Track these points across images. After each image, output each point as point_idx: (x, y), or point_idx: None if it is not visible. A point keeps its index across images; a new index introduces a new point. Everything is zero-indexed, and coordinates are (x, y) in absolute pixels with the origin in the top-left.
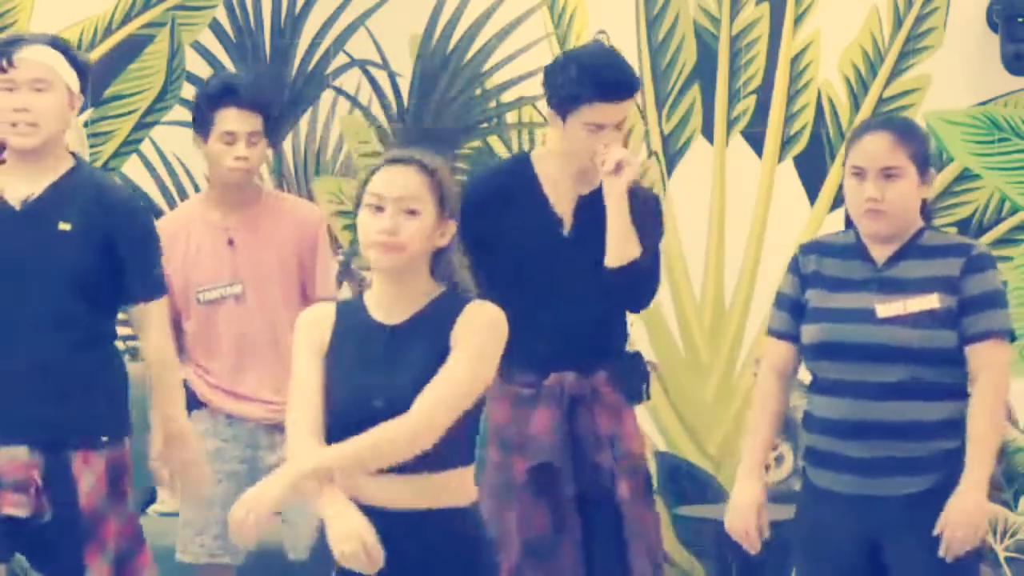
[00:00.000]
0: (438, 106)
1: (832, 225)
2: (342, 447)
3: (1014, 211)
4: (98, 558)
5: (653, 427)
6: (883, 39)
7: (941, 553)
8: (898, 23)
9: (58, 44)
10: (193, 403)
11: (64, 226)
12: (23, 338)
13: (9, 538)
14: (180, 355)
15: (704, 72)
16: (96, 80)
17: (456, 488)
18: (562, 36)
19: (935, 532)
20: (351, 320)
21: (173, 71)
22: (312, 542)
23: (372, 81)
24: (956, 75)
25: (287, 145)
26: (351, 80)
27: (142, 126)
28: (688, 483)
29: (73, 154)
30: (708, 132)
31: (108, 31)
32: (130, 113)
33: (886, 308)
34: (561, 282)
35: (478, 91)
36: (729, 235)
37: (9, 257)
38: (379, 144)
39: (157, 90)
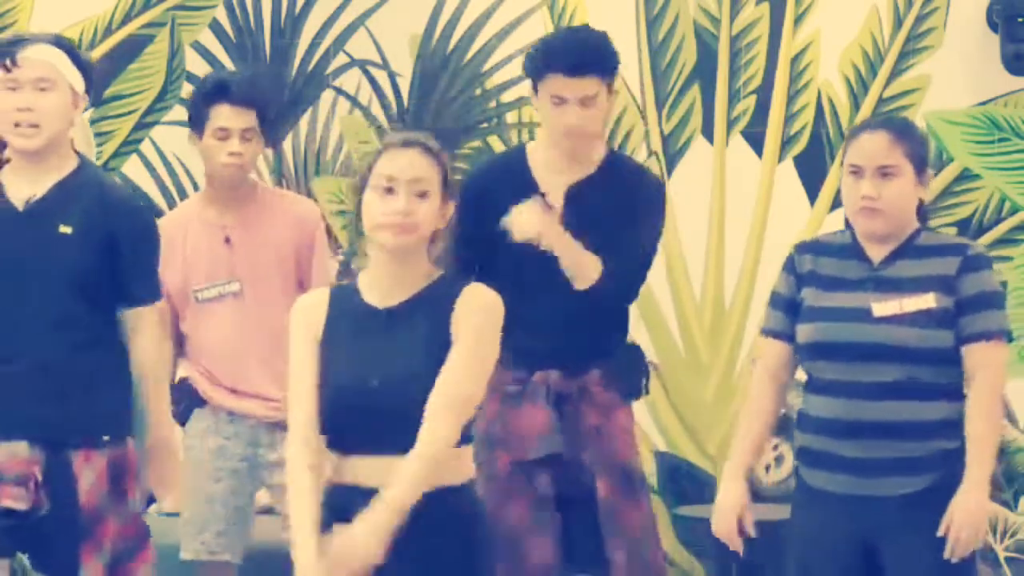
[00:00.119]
0: (438, 106)
1: (832, 225)
2: (403, 484)
3: (1014, 211)
4: (93, 556)
5: (653, 427)
6: (883, 39)
7: (947, 555)
8: (898, 23)
9: (62, 43)
10: (196, 401)
11: (65, 229)
12: (25, 338)
13: (9, 534)
14: (181, 354)
15: (704, 72)
16: (96, 80)
17: (454, 467)
18: None
19: (939, 533)
20: (345, 304)
21: (173, 71)
22: None
23: (372, 81)
24: (956, 75)
25: (287, 145)
26: (351, 80)
27: (142, 126)
28: (688, 483)
29: (78, 154)
30: (708, 132)
31: (108, 31)
32: (130, 113)
33: (882, 307)
34: (552, 276)
35: (478, 91)
36: (729, 235)
37: (12, 258)
38: (379, 144)
39: (157, 90)
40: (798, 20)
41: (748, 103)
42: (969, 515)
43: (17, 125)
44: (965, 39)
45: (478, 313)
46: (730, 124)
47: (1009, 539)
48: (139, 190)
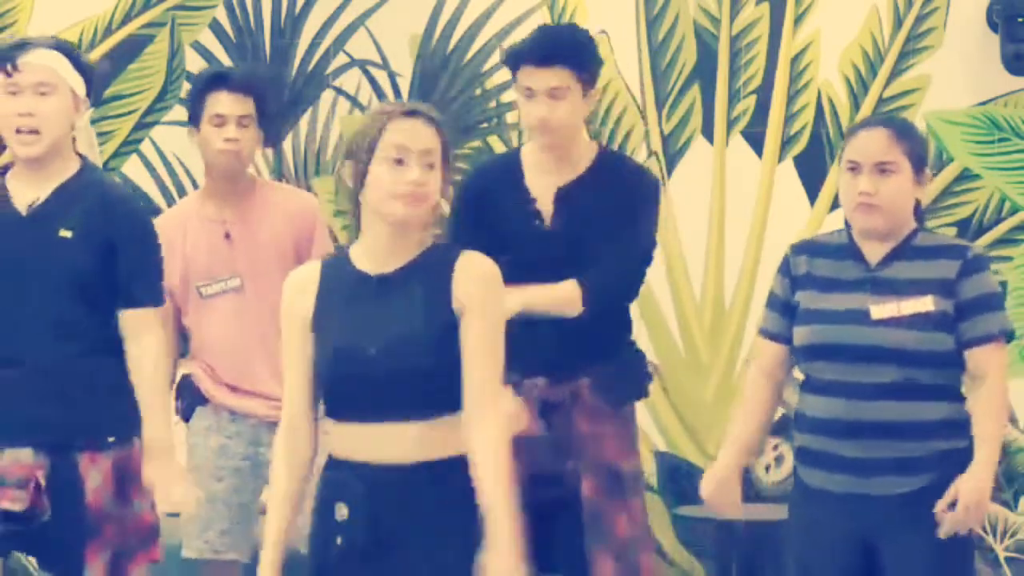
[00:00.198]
0: (438, 106)
1: (832, 225)
2: (497, 487)
3: (1014, 211)
4: (99, 556)
5: (653, 427)
6: (883, 39)
7: (943, 533)
8: (898, 23)
9: (63, 47)
10: (198, 399)
11: (65, 233)
12: (27, 342)
13: (13, 535)
14: (185, 352)
15: (704, 72)
16: (96, 81)
17: (457, 436)
18: None
19: (940, 508)
20: (338, 274)
21: (173, 71)
22: None
23: (372, 81)
24: (956, 75)
25: (287, 145)
26: (351, 80)
27: (142, 126)
28: (688, 483)
29: (80, 156)
30: (708, 132)
31: (108, 31)
32: (130, 113)
33: (880, 310)
34: (547, 280)
35: (478, 91)
36: (729, 235)
37: (15, 262)
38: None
39: (157, 90)
40: (798, 20)
41: (748, 103)
42: (975, 491)
43: (19, 131)
44: (965, 39)
45: (482, 282)
46: (730, 124)
47: (1009, 539)
48: (139, 190)
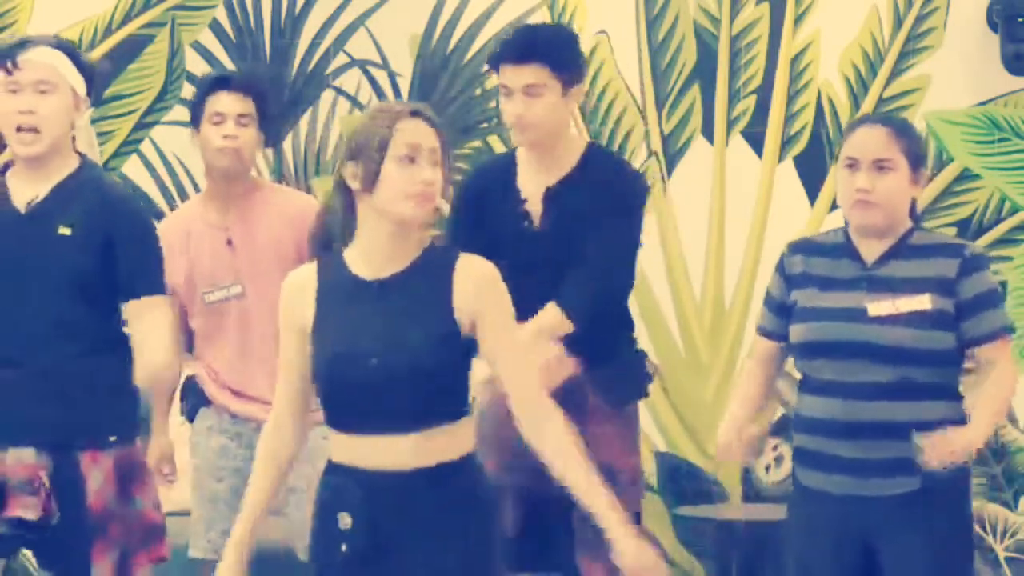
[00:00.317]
0: (438, 106)
1: (832, 225)
2: (590, 485)
3: (1014, 211)
4: (105, 557)
5: (653, 427)
6: (883, 39)
7: (925, 458)
8: (898, 23)
9: (63, 46)
10: (202, 400)
11: (64, 230)
12: (27, 342)
13: (17, 537)
14: (191, 356)
15: (704, 72)
16: (97, 81)
17: (450, 443)
18: None
19: (920, 441)
20: (335, 278)
21: (173, 71)
22: None
23: (372, 81)
24: (956, 75)
25: (287, 145)
26: (351, 80)
27: (142, 126)
28: (688, 483)
29: (80, 154)
30: (708, 132)
31: (108, 31)
32: (130, 113)
33: (877, 307)
34: (545, 281)
35: (478, 91)
36: (729, 235)
37: (14, 260)
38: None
39: (157, 90)
40: (798, 20)
41: (748, 103)
42: (965, 439)
43: (19, 130)
44: (965, 39)
45: (485, 287)
46: (730, 124)
47: (1009, 539)
48: (139, 190)
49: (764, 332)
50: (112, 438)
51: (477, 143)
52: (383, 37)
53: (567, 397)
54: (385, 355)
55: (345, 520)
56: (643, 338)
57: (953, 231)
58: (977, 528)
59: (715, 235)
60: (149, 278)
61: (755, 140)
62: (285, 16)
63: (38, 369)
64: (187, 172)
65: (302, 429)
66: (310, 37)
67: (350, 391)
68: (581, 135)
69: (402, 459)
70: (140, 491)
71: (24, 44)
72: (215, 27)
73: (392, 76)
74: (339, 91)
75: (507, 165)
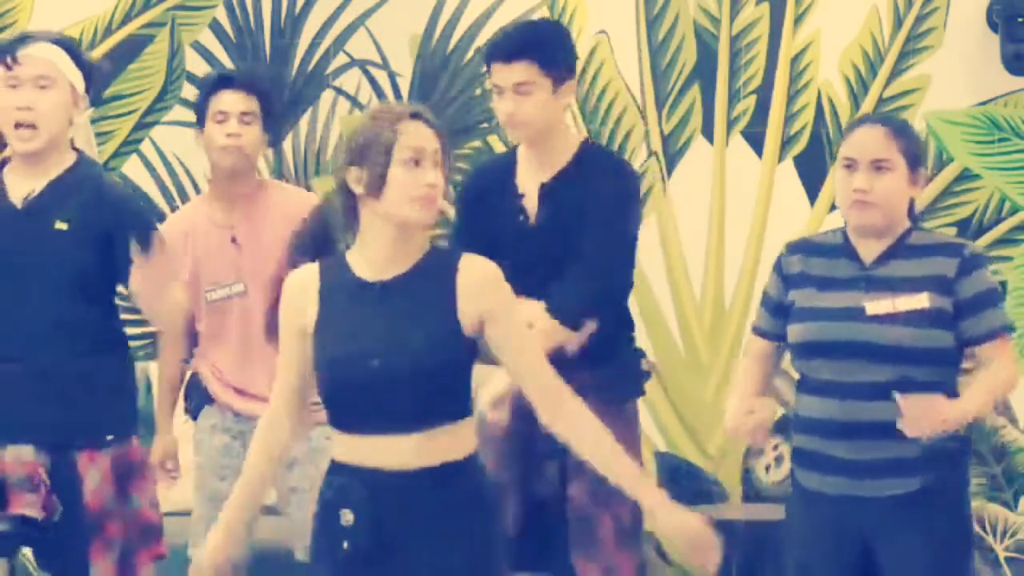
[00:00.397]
0: (438, 106)
1: (832, 225)
2: (623, 467)
3: (1014, 211)
4: (103, 556)
5: (653, 427)
6: (883, 39)
7: (906, 423)
8: (898, 23)
9: (63, 42)
10: (206, 398)
11: (61, 225)
12: (25, 339)
13: (19, 535)
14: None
15: (704, 72)
16: (97, 80)
17: (459, 442)
18: None
19: (899, 401)
20: (337, 279)
21: (173, 71)
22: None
23: (372, 81)
24: (956, 75)
25: (287, 145)
26: (351, 80)
27: (142, 126)
28: (688, 483)
29: (77, 151)
30: (708, 132)
31: (108, 31)
32: (130, 113)
33: (875, 307)
34: (544, 280)
35: (478, 91)
36: (729, 235)
37: (11, 256)
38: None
39: (157, 90)
40: (798, 20)
41: (748, 103)
42: (956, 411)
43: (17, 126)
44: (965, 39)
45: (489, 288)
46: (730, 124)
47: (1009, 539)
48: (139, 190)
49: (759, 331)
50: (109, 437)
51: (477, 143)
52: (383, 37)
53: None
54: (387, 356)
55: (347, 517)
56: (643, 338)
57: (953, 231)
58: (977, 528)
59: (715, 235)
60: (146, 242)
61: (755, 140)
62: (285, 16)
63: (37, 368)
64: (187, 172)
65: (297, 426)
66: (310, 37)
67: (352, 392)
68: (579, 132)
69: (405, 459)
70: (137, 490)
71: (24, 39)
72: (215, 27)
73: (392, 76)
74: (339, 91)
75: (508, 163)
